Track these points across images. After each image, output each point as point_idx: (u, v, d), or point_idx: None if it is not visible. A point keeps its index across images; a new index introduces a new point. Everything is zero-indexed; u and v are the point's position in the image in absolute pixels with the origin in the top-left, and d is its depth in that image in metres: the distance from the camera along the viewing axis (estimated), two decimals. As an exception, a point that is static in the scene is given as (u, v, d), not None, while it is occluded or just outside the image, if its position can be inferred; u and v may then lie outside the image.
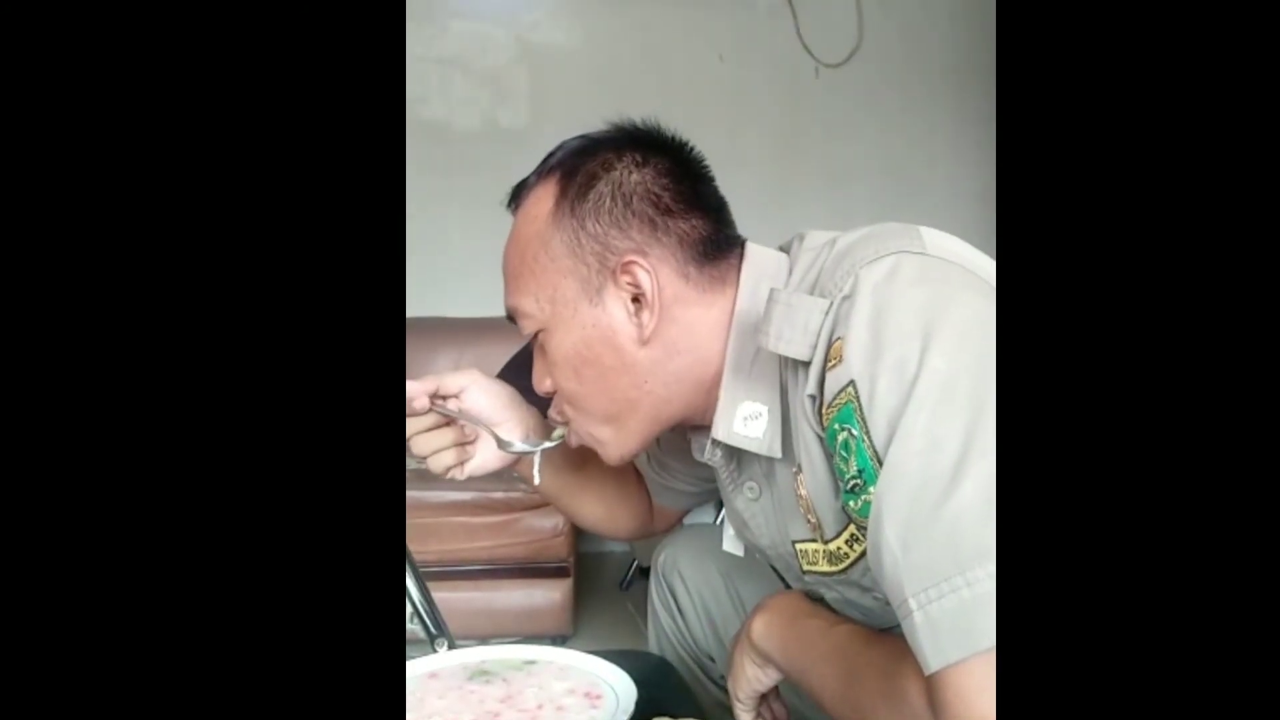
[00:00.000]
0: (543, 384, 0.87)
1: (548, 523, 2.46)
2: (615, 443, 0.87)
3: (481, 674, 0.89)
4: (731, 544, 0.99)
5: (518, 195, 0.87)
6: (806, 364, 0.73)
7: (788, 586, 0.94)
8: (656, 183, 0.82)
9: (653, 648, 1.20)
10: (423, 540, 2.24)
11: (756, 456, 0.83)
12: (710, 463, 0.87)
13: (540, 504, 2.46)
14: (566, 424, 0.89)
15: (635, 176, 0.82)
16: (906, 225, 0.77)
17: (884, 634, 0.78)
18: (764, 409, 0.80)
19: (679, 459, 1.04)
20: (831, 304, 0.72)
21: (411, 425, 0.96)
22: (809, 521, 0.80)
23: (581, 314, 0.82)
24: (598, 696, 0.83)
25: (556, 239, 0.82)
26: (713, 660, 1.16)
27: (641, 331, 0.81)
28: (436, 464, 0.98)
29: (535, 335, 0.85)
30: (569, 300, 0.82)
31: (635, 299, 0.81)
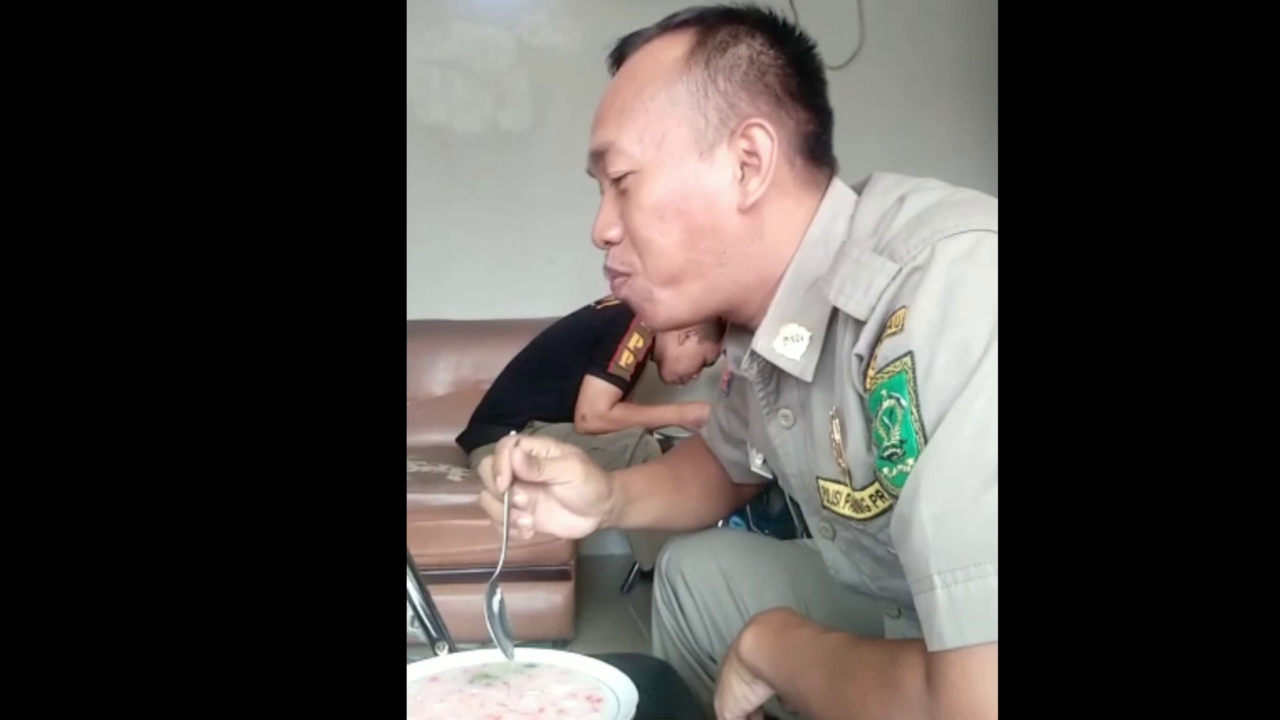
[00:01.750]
0: (608, 231, 0.86)
1: (549, 526, 2.45)
2: (668, 304, 0.85)
3: (482, 677, 0.88)
4: (761, 468, 1.01)
5: (626, 46, 0.87)
6: (860, 323, 0.73)
7: (803, 522, 0.94)
8: (789, 68, 0.83)
9: (656, 647, 1.21)
10: (423, 543, 2.24)
11: (795, 385, 0.84)
12: (746, 375, 0.88)
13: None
14: (626, 276, 0.87)
15: (771, 54, 0.82)
16: (988, 197, 0.75)
17: (874, 639, 0.77)
18: (807, 334, 0.80)
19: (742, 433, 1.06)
20: (901, 270, 0.71)
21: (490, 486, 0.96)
22: (840, 465, 0.80)
23: (687, 164, 0.81)
24: (599, 700, 0.82)
25: (683, 85, 0.81)
26: (714, 661, 1.15)
27: (745, 198, 0.81)
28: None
29: (621, 178, 0.83)
30: (677, 148, 0.81)
31: (742, 168, 0.81)
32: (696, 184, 0.81)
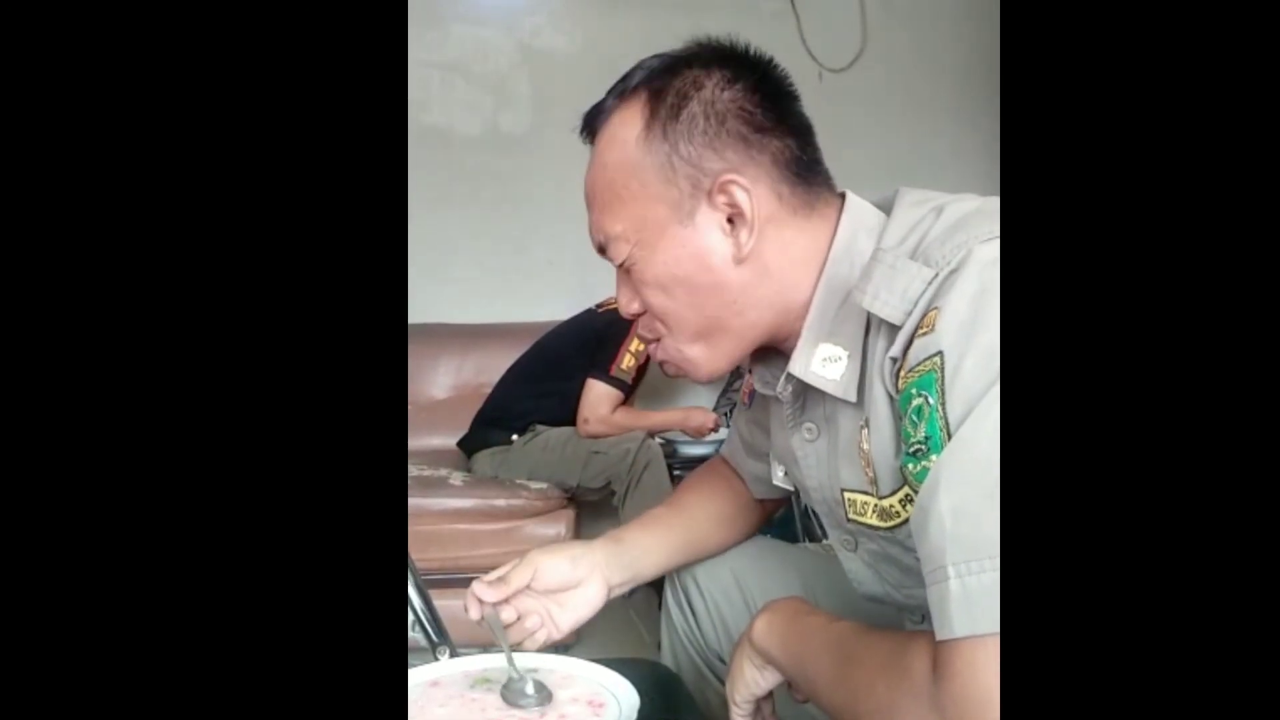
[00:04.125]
0: (630, 306, 0.88)
1: (549, 530, 2.45)
2: (706, 361, 0.87)
3: (483, 681, 0.88)
4: (782, 480, 1.01)
5: (593, 121, 0.86)
6: (895, 327, 0.73)
7: (823, 532, 0.95)
8: (749, 100, 0.82)
9: (664, 647, 1.21)
10: (424, 548, 2.23)
11: (822, 399, 0.84)
12: (779, 397, 0.88)
13: (542, 512, 2.45)
14: (657, 340, 0.88)
15: (727, 95, 0.81)
16: None
17: (884, 628, 0.78)
18: (844, 354, 0.80)
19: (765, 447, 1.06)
20: (937, 275, 0.71)
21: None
22: (866, 475, 0.80)
23: (670, 235, 0.81)
24: (600, 704, 0.82)
25: (648, 163, 0.81)
26: (722, 661, 1.16)
27: (739, 250, 0.81)
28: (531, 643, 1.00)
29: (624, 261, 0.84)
30: (659, 224, 0.82)
31: (729, 220, 0.81)
32: (685, 250, 0.81)
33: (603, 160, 0.84)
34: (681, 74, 0.82)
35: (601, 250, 0.86)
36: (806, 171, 0.84)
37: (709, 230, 0.81)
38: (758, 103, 0.82)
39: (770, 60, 0.85)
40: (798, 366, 0.83)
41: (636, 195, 0.82)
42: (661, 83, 0.82)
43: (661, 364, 0.91)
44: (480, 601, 0.96)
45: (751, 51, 0.85)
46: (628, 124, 0.83)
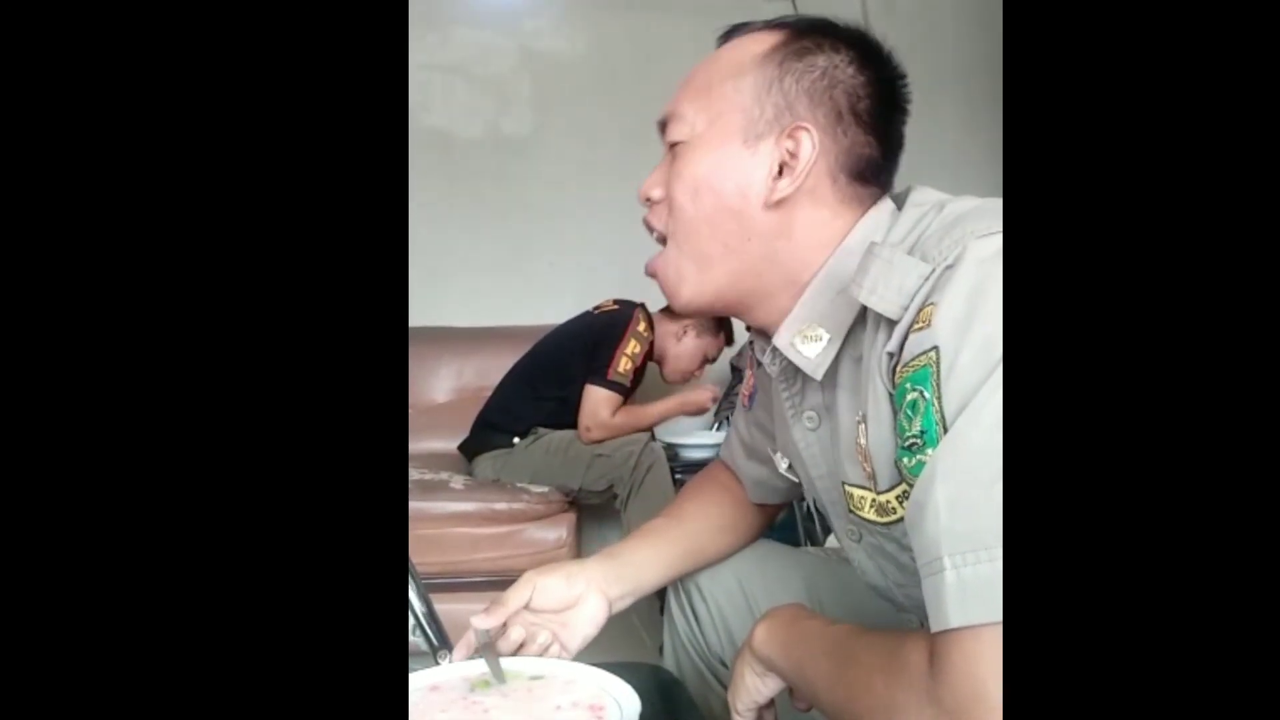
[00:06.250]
0: (652, 190, 0.90)
1: (551, 534, 2.45)
2: (692, 283, 0.88)
3: (483, 685, 0.88)
4: (788, 471, 1.02)
5: (733, 32, 0.90)
6: (892, 322, 0.74)
7: (825, 534, 0.95)
8: (866, 90, 0.84)
9: (667, 651, 1.21)
10: (425, 552, 2.23)
11: (820, 387, 0.86)
12: (768, 370, 0.90)
13: (543, 515, 2.45)
14: (661, 240, 0.90)
15: (851, 71, 0.84)
16: None
17: (882, 629, 0.78)
18: (826, 336, 0.83)
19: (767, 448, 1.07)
20: (934, 271, 0.72)
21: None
22: (865, 470, 0.81)
23: (730, 147, 0.85)
24: (600, 708, 0.82)
25: (752, 77, 0.85)
26: (725, 666, 1.16)
27: (772, 194, 0.83)
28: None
29: (675, 144, 0.87)
30: (727, 130, 0.85)
31: (780, 169, 0.83)
32: (735, 168, 0.84)
33: (720, 56, 0.88)
34: (827, 34, 0.86)
35: (662, 126, 0.89)
36: (871, 178, 0.86)
37: (761, 164, 0.84)
38: (872, 96, 0.85)
39: (904, 75, 0.88)
40: (781, 339, 0.85)
41: (727, 94, 0.85)
42: (807, 28, 0.86)
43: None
44: (475, 631, 0.94)
45: (897, 62, 0.88)
46: (759, 43, 0.86)
